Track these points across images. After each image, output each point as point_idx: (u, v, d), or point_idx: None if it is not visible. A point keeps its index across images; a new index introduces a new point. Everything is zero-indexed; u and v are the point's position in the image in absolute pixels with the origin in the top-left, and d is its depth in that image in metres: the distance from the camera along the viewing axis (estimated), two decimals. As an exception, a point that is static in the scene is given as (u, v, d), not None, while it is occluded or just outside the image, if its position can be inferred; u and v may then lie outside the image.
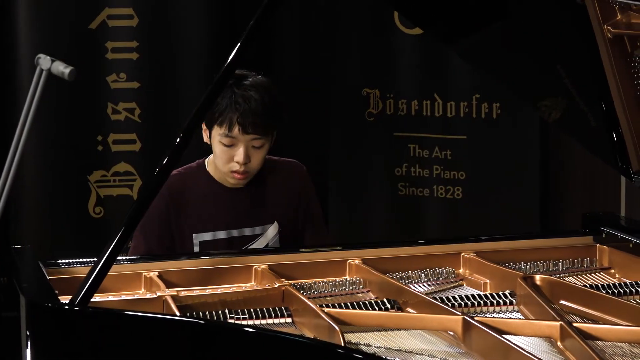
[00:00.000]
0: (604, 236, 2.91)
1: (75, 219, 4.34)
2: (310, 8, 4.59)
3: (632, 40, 2.62)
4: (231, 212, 3.14)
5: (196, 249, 3.12)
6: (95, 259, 2.24)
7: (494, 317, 2.41)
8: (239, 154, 3.04)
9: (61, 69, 2.06)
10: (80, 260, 2.65)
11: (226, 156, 3.06)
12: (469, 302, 2.54)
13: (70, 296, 2.20)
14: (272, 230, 3.17)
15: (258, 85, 3.07)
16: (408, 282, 2.72)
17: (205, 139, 3.13)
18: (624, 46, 2.63)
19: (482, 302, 2.55)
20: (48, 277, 2.47)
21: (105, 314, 2.09)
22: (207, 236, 3.13)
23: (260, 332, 1.86)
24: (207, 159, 3.20)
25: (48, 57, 2.10)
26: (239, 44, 2.41)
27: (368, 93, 4.54)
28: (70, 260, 2.66)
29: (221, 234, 3.14)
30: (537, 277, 2.59)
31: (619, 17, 2.57)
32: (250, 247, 3.12)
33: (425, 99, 4.46)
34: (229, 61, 2.43)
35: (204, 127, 3.11)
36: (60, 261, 2.64)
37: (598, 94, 2.74)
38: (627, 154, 2.80)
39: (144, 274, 2.64)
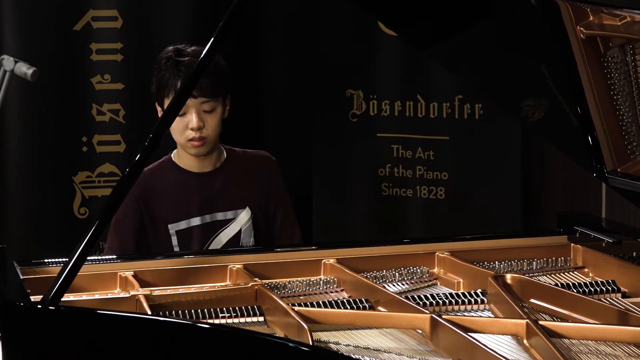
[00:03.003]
0: (577, 235, 2.93)
1: (60, 220, 4.37)
2: (294, 9, 4.61)
3: (605, 41, 2.63)
4: (202, 197, 3.21)
5: (173, 239, 3.19)
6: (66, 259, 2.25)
7: (463, 316, 2.43)
8: (192, 119, 3.11)
9: (24, 69, 2.07)
10: (56, 260, 2.66)
11: (181, 126, 3.14)
12: (440, 301, 2.56)
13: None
14: (244, 215, 3.23)
15: (199, 53, 3.08)
16: (382, 282, 2.74)
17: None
18: (597, 47, 2.64)
19: (453, 300, 2.56)
20: (23, 277, 2.49)
21: (72, 312, 2.11)
22: (182, 225, 3.20)
23: (217, 329, 1.88)
24: (172, 153, 3.28)
25: (12, 58, 2.12)
26: (209, 43, 2.42)
27: (352, 94, 4.56)
28: (46, 260, 2.68)
29: (195, 221, 3.20)
30: (508, 276, 2.60)
31: (591, 18, 2.58)
32: (224, 231, 3.19)
33: (408, 99, 4.48)
34: (201, 59, 2.45)
35: (158, 108, 3.21)
36: (35, 260, 2.66)
37: (573, 94, 2.75)
38: (601, 154, 2.81)
39: (119, 273, 2.66)
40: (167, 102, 3.13)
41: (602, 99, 2.71)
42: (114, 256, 2.85)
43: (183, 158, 3.24)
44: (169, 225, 3.19)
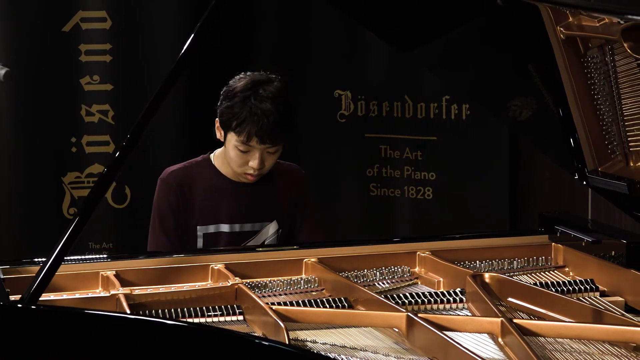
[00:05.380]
0: (558, 235, 2.94)
1: (49, 220, 4.38)
2: (284, 11, 4.62)
3: (585, 41, 2.64)
4: (235, 205, 3.25)
5: (199, 241, 3.23)
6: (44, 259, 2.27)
7: (441, 314, 2.45)
8: (255, 159, 3.16)
9: (-4, 70, 2.08)
10: (40, 259, 2.67)
11: (241, 160, 3.18)
12: (419, 300, 2.57)
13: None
14: (270, 229, 3.27)
15: (274, 95, 3.16)
16: (363, 281, 2.76)
17: (219, 136, 3.25)
18: (577, 47, 2.66)
19: (432, 299, 2.58)
20: (4, 276, 2.51)
21: (49, 311, 2.12)
22: (211, 229, 3.24)
23: (184, 326, 1.90)
24: (213, 153, 3.31)
25: (-15, 59, 2.13)
26: (189, 42, 2.44)
27: (340, 95, 4.58)
28: (29, 260, 2.69)
29: (224, 227, 3.25)
30: (486, 275, 2.62)
31: (570, 19, 2.59)
32: (248, 243, 3.23)
33: (396, 100, 4.50)
34: (180, 58, 2.47)
35: (217, 124, 3.23)
36: (17, 260, 2.68)
37: (555, 94, 2.77)
38: (582, 155, 2.83)
39: (101, 273, 2.68)
40: (233, 136, 3.15)
41: (583, 99, 2.72)
42: (97, 256, 2.86)
43: (224, 164, 3.26)
44: (197, 227, 3.23)
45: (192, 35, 2.44)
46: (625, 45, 2.45)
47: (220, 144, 3.29)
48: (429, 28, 2.84)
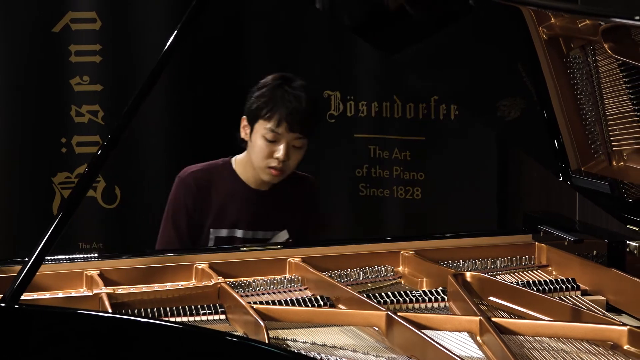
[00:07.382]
0: (542, 234, 2.96)
1: (39, 220, 4.38)
2: (274, 12, 4.63)
3: (567, 42, 2.66)
4: (251, 213, 3.27)
5: (211, 243, 3.25)
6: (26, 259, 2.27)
7: (422, 313, 2.46)
8: (280, 150, 3.16)
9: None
10: (25, 259, 2.67)
11: (267, 151, 3.18)
12: (400, 299, 2.58)
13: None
14: (281, 237, 3.30)
15: (305, 88, 3.22)
16: (347, 280, 2.77)
17: (243, 135, 3.25)
18: (559, 47, 2.67)
19: (414, 298, 2.59)
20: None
21: (30, 310, 2.13)
22: (223, 232, 3.27)
23: (159, 325, 1.92)
24: (233, 158, 3.32)
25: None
26: (170, 40, 2.45)
27: (329, 95, 4.59)
28: (18, 259, 2.70)
29: (238, 233, 3.27)
30: (468, 274, 2.63)
31: (552, 20, 2.61)
32: None
33: (384, 100, 4.51)
34: (162, 56, 2.48)
35: (244, 122, 3.24)
36: (3, 260, 2.69)
37: (540, 95, 2.78)
38: (565, 154, 2.84)
39: (85, 272, 2.69)
40: (261, 124, 3.17)
41: (566, 99, 2.74)
42: (82, 255, 2.86)
43: (245, 170, 3.28)
44: (210, 229, 3.25)
45: (175, 32, 2.44)
46: (605, 46, 2.46)
47: (241, 149, 3.30)
48: (415, 30, 2.85)
